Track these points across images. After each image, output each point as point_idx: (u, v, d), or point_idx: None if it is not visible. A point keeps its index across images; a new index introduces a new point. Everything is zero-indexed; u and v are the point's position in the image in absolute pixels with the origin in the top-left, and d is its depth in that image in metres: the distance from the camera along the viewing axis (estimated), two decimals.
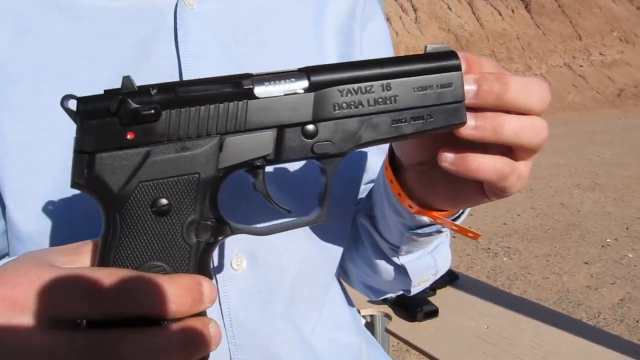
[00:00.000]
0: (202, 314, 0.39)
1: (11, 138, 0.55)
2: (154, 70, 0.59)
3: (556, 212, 6.18)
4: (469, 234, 0.56)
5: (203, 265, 0.41)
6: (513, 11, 22.79)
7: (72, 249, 0.40)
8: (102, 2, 0.59)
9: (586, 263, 4.82)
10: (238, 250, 0.60)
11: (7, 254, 0.62)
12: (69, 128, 0.53)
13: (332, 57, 0.70)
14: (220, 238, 0.41)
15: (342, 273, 0.84)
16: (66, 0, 0.58)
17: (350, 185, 0.71)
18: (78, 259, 0.39)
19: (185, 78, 0.59)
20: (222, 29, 0.63)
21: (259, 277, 0.62)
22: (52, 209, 0.55)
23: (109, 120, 0.37)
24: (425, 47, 0.44)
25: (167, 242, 0.39)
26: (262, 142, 0.40)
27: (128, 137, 0.37)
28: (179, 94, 0.38)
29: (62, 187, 0.54)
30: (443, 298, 1.58)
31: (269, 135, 0.41)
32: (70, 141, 0.53)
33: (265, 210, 0.53)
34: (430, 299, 1.54)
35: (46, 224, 0.56)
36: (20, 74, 0.56)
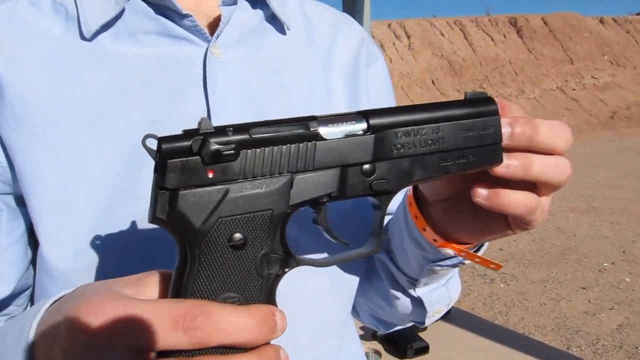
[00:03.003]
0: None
1: (48, 178, 0.57)
2: (184, 115, 0.62)
3: (552, 237, 6.17)
4: (492, 265, 0.59)
5: (272, 295, 0.43)
6: (505, 36, 23.12)
7: (135, 281, 0.42)
8: (135, 50, 0.63)
9: (584, 288, 4.79)
10: None
11: (28, 289, 0.63)
12: (103, 169, 0.57)
13: (340, 101, 0.74)
14: (286, 270, 0.44)
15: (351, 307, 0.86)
16: (100, 47, 0.62)
17: (365, 220, 0.72)
18: (142, 290, 0.41)
19: (213, 121, 0.61)
20: (244, 75, 0.67)
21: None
22: (88, 248, 0.57)
23: (191, 159, 0.39)
24: (466, 93, 0.49)
25: (242, 274, 0.41)
26: (327, 180, 0.43)
27: (209, 175, 0.39)
28: (254, 134, 0.41)
29: (97, 226, 0.56)
30: (434, 333, 1.56)
31: (334, 174, 0.43)
32: (107, 182, 0.56)
33: (319, 243, 0.57)
34: (421, 334, 1.51)
35: (81, 262, 0.57)
36: (57, 116, 0.58)
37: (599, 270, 5.18)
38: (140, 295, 0.40)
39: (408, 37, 20.34)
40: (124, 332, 0.36)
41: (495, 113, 0.47)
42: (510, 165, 0.47)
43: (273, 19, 0.73)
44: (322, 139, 0.43)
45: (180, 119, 0.60)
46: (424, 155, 0.46)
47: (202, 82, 0.64)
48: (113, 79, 0.61)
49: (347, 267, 0.71)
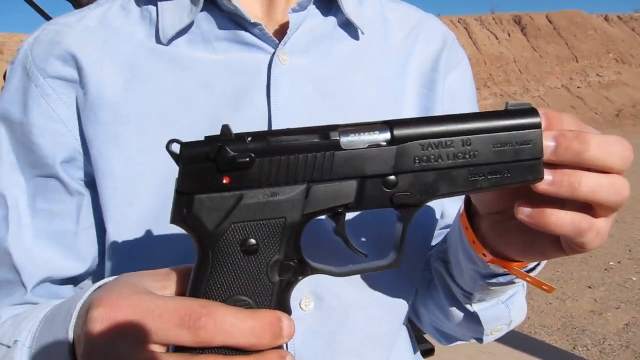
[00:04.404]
0: (279, 348, 0.42)
1: (116, 172, 0.62)
2: (246, 119, 0.64)
3: None
4: (544, 287, 0.56)
5: (284, 302, 0.43)
6: (509, 35, 23.05)
7: (164, 275, 0.44)
8: (206, 55, 0.66)
9: (590, 287, 4.77)
10: (308, 292, 0.63)
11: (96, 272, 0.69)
12: (166, 166, 0.58)
13: (411, 109, 0.72)
14: (300, 278, 0.44)
15: (415, 317, 0.83)
16: (175, 52, 0.65)
17: (422, 232, 0.72)
18: (170, 284, 0.43)
19: (274, 127, 0.63)
20: (310, 83, 0.67)
21: (324, 318, 0.64)
22: (145, 239, 0.61)
23: (208, 166, 0.40)
24: (507, 103, 0.45)
25: (253, 279, 0.42)
26: (345, 191, 0.42)
27: (224, 181, 0.40)
28: (272, 143, 0.41)
29: (153, 220, 0.61)
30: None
31: (352, 185, 0.42)
32: (166, 179, 0.59)
33: (340, 255, 0.56)
34: (427, 336, 1.50)
35: (137, 252, 0.62)
36: (129, 115, 0.63)
37: (605, 270, 5.15)
38: (167, 289, 0.43)
39: None
40: (135, 325, 0.38)
41: (537, 126, 0.44)
42: (555, 182, 0.43)
43: (347, 25, 0.72)
44: (341, 149, 0.42)
45: (242, 124, 0.60)
46: (451, 169, 0.43)
47: (265, 88, 0.65)
48: (182, 82, 0.64)
49: (400, 279, 0.69)
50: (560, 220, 0.44)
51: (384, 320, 0.69)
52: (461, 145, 0.43)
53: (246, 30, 0.66)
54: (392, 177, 0.43)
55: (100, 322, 0.39)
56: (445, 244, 0.70)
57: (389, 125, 0.43)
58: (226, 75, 0.65)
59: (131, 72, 0.64)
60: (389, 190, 0.43)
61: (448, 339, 0.81)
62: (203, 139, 0.41)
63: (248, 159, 0.40)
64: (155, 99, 0.63)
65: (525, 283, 0.68)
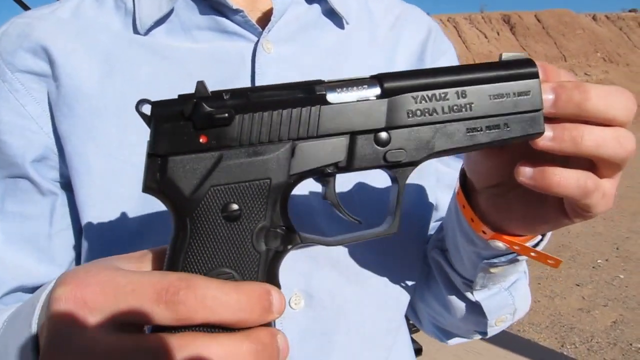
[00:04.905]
0: (269, 325, 0.38)
1: (94, 168, 0.59)
2: None
3: None
4: (549, 261, 0.52)
5: (272, 274, 0.39)
6: (498, 33, 23.16)
7: (138, 256, 0.40)
8: (189, 45, 0.64)
9: (578, 285, 4.80)
10: (297, 289, 0.61)
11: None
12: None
13: None
14: (289, 247, 0.40)
15: (412, 314, 0.81)
16: (153, 42, 0.63)
17: (414, 224, 0.70)
18: (144, 266, 0.40)
19: None
20: (296, 71, 0.65)
21: (315, 317, 0.62)
22: (125, 238, 0.58)
23: (183, 124, 0.37)
24: (500, 55, 0.42)
25: (237, 248, 0.38)
26: (334, 148, 0.40)
27: (201, 140, 0.37)
28: (252, 98, 0.38)
29: (134, 217, 0.58)
30: (427, 335, 1.54)
31: (341, 142, 0.40)
32: None
33: (334, 224, 0.54)
34: (414, 336, 1.50)
35: (116, 252, 0.58)
36: (106, 107, 0.60)
37: (593, 267, 5.19)
38: (142, 270, 0.39)
39: None
40: (104, 302, 0.34)
41: (535, 76, 0.41)
42: (555, 137, 0.41)
43: (331, 14, 0.70)
44: (328, 103, 0.39)
45: None
46: (446, 122, 0.40)
47: (250, 77, 0.63)
48: (162, 72, 0.62)
49: (396, 273, 0.67)
50: (564, 179, 0.41)
51: (381, 318, 0.67)
52: (456, 97, 0.41)
53: (228, 17, 0.64)
54: (384, 133, 0.40)
55: (65, 301, 0.34)
56: (442, 232, 0.67)
57: (378, 79, 0.40)
58: (209, 65, 0.63)
59: (107, 62, 0.62)
60: (381, 148, 0.40)
61: (449, 335, 0.78)
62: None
63: (227, 115, 0.37)
64: (134, 91, 0.61)
65: (526, 269, 0.65)
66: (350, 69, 0.69)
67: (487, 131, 0.41)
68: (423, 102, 0.40)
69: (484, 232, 0.54)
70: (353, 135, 0.40)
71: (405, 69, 0.70)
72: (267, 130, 0.38)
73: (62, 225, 0.63)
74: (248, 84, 0.63)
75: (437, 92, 0.40)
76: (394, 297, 0.68)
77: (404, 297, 0.69)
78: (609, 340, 3.85)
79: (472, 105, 0.41)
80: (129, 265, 0.39)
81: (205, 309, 0.34)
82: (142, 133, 0.59)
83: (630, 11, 29.14)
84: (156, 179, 0.37)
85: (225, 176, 0.38)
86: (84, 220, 0.59)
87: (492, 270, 0.59)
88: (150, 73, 0.62)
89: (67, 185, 0.62)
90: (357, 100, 0.40)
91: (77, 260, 0.64)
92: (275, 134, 0.38)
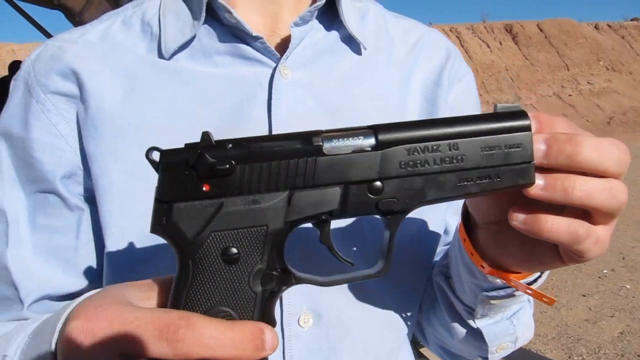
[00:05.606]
0: None
1: (116, 187, 0.61)
2: (246, 134, 0.67)
3: None
4: (544, 299, 0.54)
5: (267, 312, 0.42)
6: (501, 43, 23.20)
7: (148, 285, 0.43)
8: (209, 69, 0.65)
9: (584, 295, 4.76)
10: (306, 308, 0.63)
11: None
12: None
13: None
14: (284, 287, 0.43)
15: (420, 334, 0.82)
16: (175, 65, 0.65)
17: (423, 249, 0.71)
18: (153, 295, 0.43)
19: None
20: (311, 96, 0.67)
21: (322, 335, 0.64)
22: (143, 255, 0.61)
23: (187, 173, 0.40)
24: (495, 105, 0.44)
25: (235, 289, 0.41)
26: (328, 197, 0.41)
27: (204, 189, 0.40)
28: (252, 149, 0.40)
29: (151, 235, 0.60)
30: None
31: (336, 192, 0.42)
32: None
33: (330, 265, 0.55)
34: (421, 350, 1.48)
35: (137, 266, 0.62)
36: (127, 127, 0.62)
37: (599, 277, 5.14)
38: (150, 300, 0.42)
39: None
40: (112, 337, 0.37)
41: (527, 129, 0.42)
42: (547, 186, 0.42)
43: (349, 40, 0.71)
44: (324, 154, 0.41)
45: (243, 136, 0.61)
46: (438, 174, 0.42)
47: (266, 102, 0.65)
48: (182, 96, 0.64)
49: (402, 295, 0.69)
50: (555, 226, 0.43)
51: (384, 338, 0.68)
52: (448, 149, 0.42)
53: (247, 43, 0.66)
54: (378, 183, 0.42)
55: (77, 333, 0.39)
56: (447, 259, 0.68)
57: (374, 129, 0.42)
58: (227, 89, 0.65)
59: (130, 83, 0.64)
60: (374, 197, 0.42)
61: (454, 357, 0.79)
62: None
63: (228, 166, 0.39)
64: (155, 112, 0.63)
65: (531, 299, 0.66)
66: (365, 94, 0.70)
67: (478, 181, 0.43)
68: (415, 153, 0.42)
69: (482, 267, 0.55)
70: (347, 185, 0.42)
71: (420, 92, 0.73)
72: (266, 180, 0.40)
73: (87, 238, 0.65)
74: (264, 109, 0.65)
75: (429, 144, 0.42)
76: (398, 318, 0.69)
77: (408, 319, 0.70)
78: (616, 351, 3.80)
79: (464, 157, 0.42)
80: (139, 295, 0.42)
81: (202, 346, 0.37)
82: None
83: (632, 20, 29.18)
84: (162, 223, 0.40)
85: (225, 222, 0.40)
86: (106, 235, 0.62)
87: (492, 301, 0.61)
88: (170, 96, 0.64)
89: (91, 199, 0.64)
90: (352, 152, 0.41)
91: (100, 272, 0.66)
92: (273, 183, 0.41)
